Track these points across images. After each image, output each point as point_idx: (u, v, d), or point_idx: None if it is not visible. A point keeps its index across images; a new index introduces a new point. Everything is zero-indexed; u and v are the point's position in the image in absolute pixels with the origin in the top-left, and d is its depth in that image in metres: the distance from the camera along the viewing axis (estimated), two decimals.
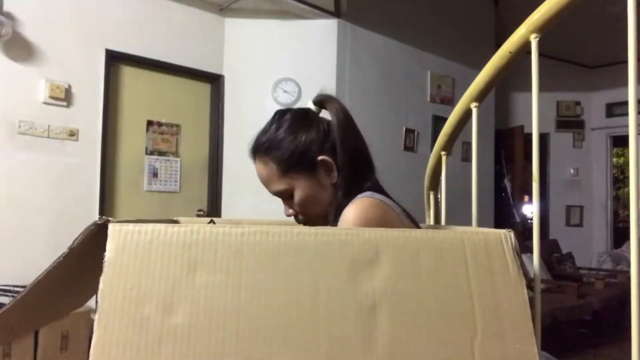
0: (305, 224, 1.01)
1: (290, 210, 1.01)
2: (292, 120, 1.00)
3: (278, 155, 0.96)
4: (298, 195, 0.97)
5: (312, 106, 1.04)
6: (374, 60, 3.97)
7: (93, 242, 0.56)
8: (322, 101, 1.04)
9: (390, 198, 0.99)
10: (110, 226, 0.55)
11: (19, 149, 2.85)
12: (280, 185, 0.97)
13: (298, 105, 3.59)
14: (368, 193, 0.95)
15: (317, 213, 0.99)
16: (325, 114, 1.06)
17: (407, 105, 4.22)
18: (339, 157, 0.98)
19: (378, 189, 0.99)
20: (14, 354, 2.41)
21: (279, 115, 1.02)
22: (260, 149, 0.99)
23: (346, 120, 1.00)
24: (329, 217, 0.98)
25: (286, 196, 0.99)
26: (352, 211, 0.89)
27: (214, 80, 3.76)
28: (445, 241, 0.60)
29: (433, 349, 0.55)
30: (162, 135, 3.52)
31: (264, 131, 1.01)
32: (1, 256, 2.77)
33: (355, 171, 0.98)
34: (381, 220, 0.88)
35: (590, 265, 5.68)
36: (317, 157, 0.97)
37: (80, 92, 3.08)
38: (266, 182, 1.00)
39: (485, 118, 4.81)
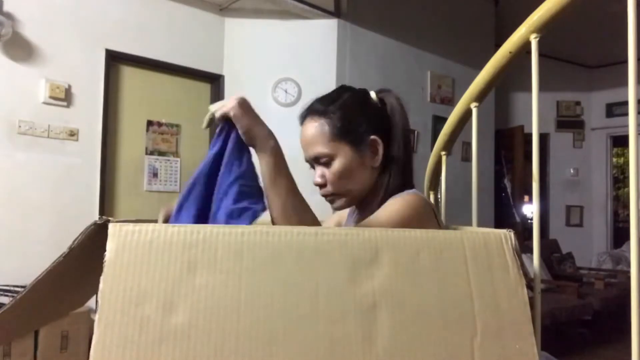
0: (328, 195, 1.01)
1: (320, 179, 1.00)
2: (355, 95, 1.02)
3: (334, 118, 0.97)
4: (337, 164, 0.97)
5: (372, 94, 1.05)
6: (374, 60, 3.97)
7: (93, 242, 0.56)
8: (382, 93, 1.06)
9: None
10: (110, 226, 0.55)
11: (19, 149, 2.85)
12: (325, 149, 0.97)
13: (298, 105, 3.60)
14: (415, 190, 0.99)
15: (348, 189, 0.99)
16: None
17: (407, 105, 4.21)
18: (396, 145, 1.01)
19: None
20: (14, 354, 2.41)
21: (343, 88, 1.04)
22: (318, 110, 0.99)
23: (404, 113, 1.04)
24: (374, 199, 0.99)
25: (324, 162, 0.98)
26: (400, 201, 0.92)
27: (214, 80, 3.76)
28: (445, 241, 0.60)
29: (433, 348, 0.55)
30: (162, 135, 3.52)
31: (323, 98, 1.02)
32: (1, 256, 2.77)
33: (406, 163, 1.02)
34: (424, 216, 0.92)
35: (590, 265, 5.68)
36: (369, 135, 0.98)
37: (80, 92, 3.08)
38: (311, 142, 0.99)
39: (485, 118, 4.81)
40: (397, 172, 1.01)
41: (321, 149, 0.97)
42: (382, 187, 1.00)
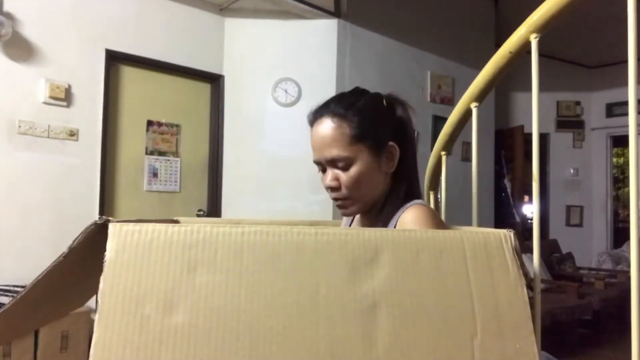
0: (341, 199, 0.99)
1: (334, 182, 0.96)
2: (372, 99, 1.01)
3: (355, 121, 0.95)
4: (356, 169, 0.95)
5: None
6: (374, 60, 3.97)
7: (93, 242, 0.56)
8: (392, 99, 1.04)
9: None
10: (111, 226, 0.55)
11: (19, 149, 2.85)
12: (344, 152, 0.94)
13: (298, 105, 3.60)
14: (420, 201, 1.00)
15: (363, 194, 0.97)
16: None
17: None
18: (409, 151, 1.02)
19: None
20: (14, 354, 2.41)
21: (359, 91, 1.02)
22: (337, 112, 0.96)
23: (411, 120, 1.05)
24: (386, 206, 1.00)
25: (341, 165, 0.96)
26: (415, 215, 0.93)
27: (214, 80, 3.76)
28: (445, 241, 0.60)
29: (433, 348, 0.55)
30: (162, 135, 3.52)
31: (341, 100, 0.99)
32: (1, 256, 2.77)
33: (414, 169, 1.04)
34: (442, 226, 0.94)
35: (590, 265, 5.68)
36: (387, 140, 0.98)
37: (80, 92, 3.08)
38: (329, 144, 0.95)
39: (485, 118, 4.81)
40: (408, 178, 1.02)
41: (340, 151, 0.94)
42: (393, 193, 1.00)
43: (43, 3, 2.96)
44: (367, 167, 0.95)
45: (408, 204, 0.97)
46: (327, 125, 0.96)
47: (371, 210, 1.02)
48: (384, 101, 1.02)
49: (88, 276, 0.62)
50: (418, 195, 1.03)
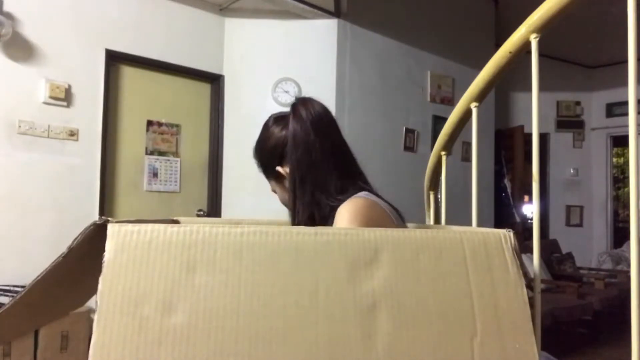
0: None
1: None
2: (263, 130, 1.11)
3: (257, 161, 1.13)
4: (277, 195, 1.13)
5: (271, 119, 1.12)
6: (373, 60, 3.97)
7: (92, 242, 0.56)
8: (293, 105, 1.04)
9: (381, 198, 1.00)
10: (110, 226, 0.55)
11: (19, 149, 2.85)
12: (270, 184, 1.14)
13: None
14: (363, 193, 0.98)
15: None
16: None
17: (407, 105, 4.22)
18: (290, 165, 1.02)
19: (365, 189, 1.00)
20: (14, 354, 2.41)
21: (264, 124, 1.12)
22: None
23: (305, 126, 1.00)
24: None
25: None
26: (347, 209, 0.92)
27: (214, 80, 3.76)
28: (445, 241, 0.60)
29: (432, 348, 0.55)
30: (162, 135, 3.51)
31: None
32: (1, 256, 2.77)
33: (322, 171, 0.99)
34: (373, 220, 0.91)
35: (590, 265, 5.68)
36: (275, 167, 1.06)
37: (80, 92, 3.08)
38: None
39: (485, 118, 4.81)
40: (310, 187, 0.99)
41: (270, 184, 1.14)
42: (310, 202, 1.00)
43: (43, 3, 2.96)
44: (280, 191, 1.11)
45: (351, 197, 0.95)
46: None
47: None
48: (271, 121, 1.09)
49: (88, 276, 0.62)
50: (361, 188, 0.99)
